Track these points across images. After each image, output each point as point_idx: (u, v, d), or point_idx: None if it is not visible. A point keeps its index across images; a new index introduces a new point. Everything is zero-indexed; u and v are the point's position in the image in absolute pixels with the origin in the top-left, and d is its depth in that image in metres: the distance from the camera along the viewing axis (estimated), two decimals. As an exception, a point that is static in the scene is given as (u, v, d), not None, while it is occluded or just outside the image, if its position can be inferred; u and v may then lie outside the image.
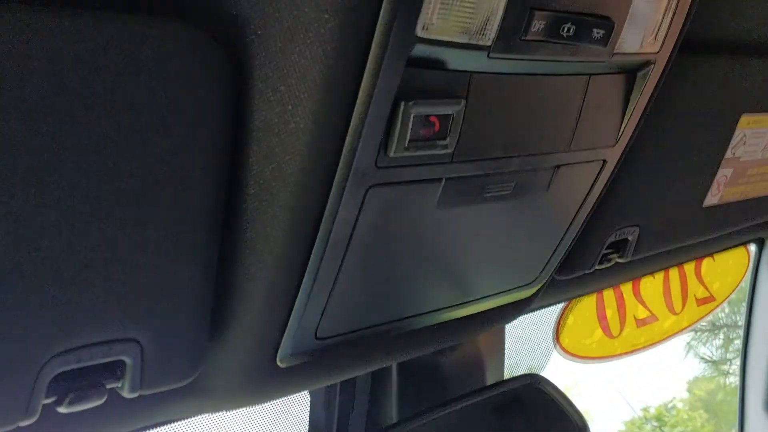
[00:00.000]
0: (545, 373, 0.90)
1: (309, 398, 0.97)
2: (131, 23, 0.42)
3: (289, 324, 0.58)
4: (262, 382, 0.63)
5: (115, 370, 0.52)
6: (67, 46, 0.40)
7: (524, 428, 0.86)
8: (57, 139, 0.42)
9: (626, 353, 1.28)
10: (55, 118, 0.41)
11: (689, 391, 5.21)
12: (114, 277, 0.48)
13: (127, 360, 0.52)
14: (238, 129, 0.50)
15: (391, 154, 0.51)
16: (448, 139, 0.54)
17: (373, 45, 0.46)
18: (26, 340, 0.46)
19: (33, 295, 0.45)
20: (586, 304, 1.15)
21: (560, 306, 1.14)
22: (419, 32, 0.47)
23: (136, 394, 0.53)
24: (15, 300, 0.45)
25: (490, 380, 0.98)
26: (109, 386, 0.52)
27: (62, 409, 0.50)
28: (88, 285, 0.47)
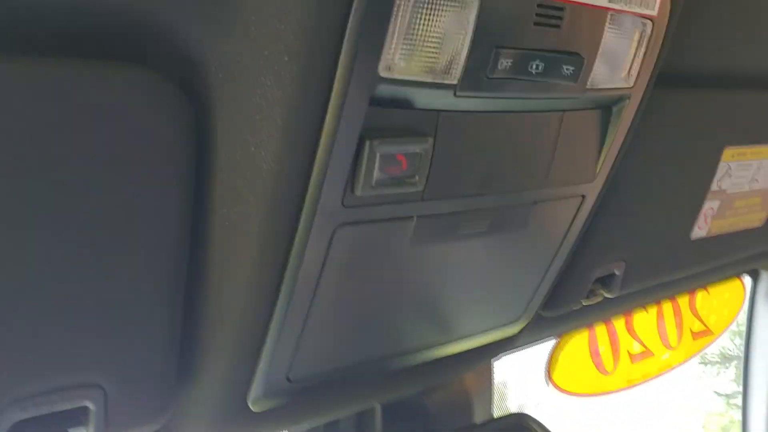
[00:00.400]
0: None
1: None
2: (88, 68, 0.42)
3: (259, 367, 0.57)
4: (234, 427, 0.61)
5: (78, 416, 0.51)
6: (19, 91, 0.40)
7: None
8: (13, 187, 0.42)
9: (621, 389, 1.26)
10: (9, 166, 0.41)
11: (704, 426, 5.10)
12: (74, 321, 0.48)
13: (91, 406, 0.51)
14: (202, 171, 0.50)
15: (358, 193, 0.51)
16: (416, 177, 0.53)
17: (335, 86, 0.46)
18: None
19: None
20: (578, 341, 1.14)
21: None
22: (382, 72, 0.47)
23: None
24: None
25: (477, 418, 0.96)
26: None
27: None
28: (47, 328, 0.47)
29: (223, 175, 0.49)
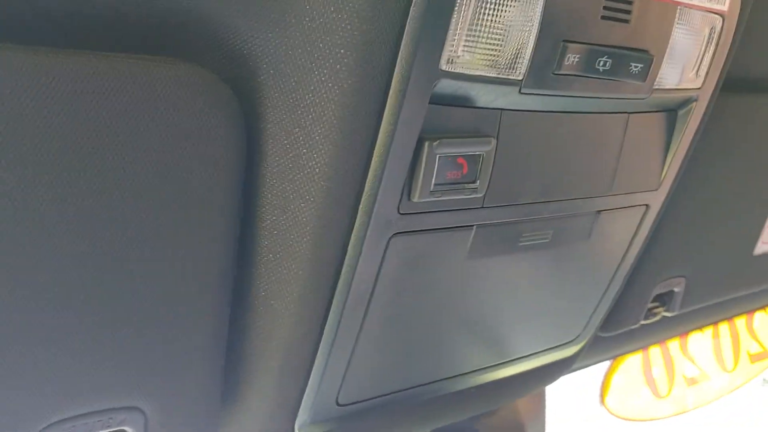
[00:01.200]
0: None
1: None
2: (134, 63, 0.39)
3: (307, 389, 0.53)
4: None
5: None
6: (65, 89, 0.37)
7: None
8: (57, 190, 0.39)
9: (677, 414, 1.19)
10: (54, 166, 0.38)
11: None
12: (113, 340, 0.44)
13: (129, 430, 0.47)
14: (250, 175, 0.46)
15: (416, 199, 0.47)
16: (477, 182, 0.49)
17: (394, 81, 0.43)
18: (17, 408, 0.42)
19: (25, 360, 0.41)
20: (632, 363, 1.08)
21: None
22: (444, 66, 0.44)
23: None
24: (6, 364, 0.41)
25: (530, 446, 0.91)
26: None
27: None
28: (86, 348, 0.43)
29: (273, 180, 0.46)
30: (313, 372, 0.52)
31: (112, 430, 0.47)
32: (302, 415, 0.55)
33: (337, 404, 0.56)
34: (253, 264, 0.49)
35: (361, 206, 0.46)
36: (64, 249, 0.40)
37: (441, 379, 0.63)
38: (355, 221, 0.47)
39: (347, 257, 0.48)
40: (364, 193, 0.46)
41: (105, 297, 0.43)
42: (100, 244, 0.42)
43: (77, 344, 0.43)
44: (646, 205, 0.66)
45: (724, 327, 1.20)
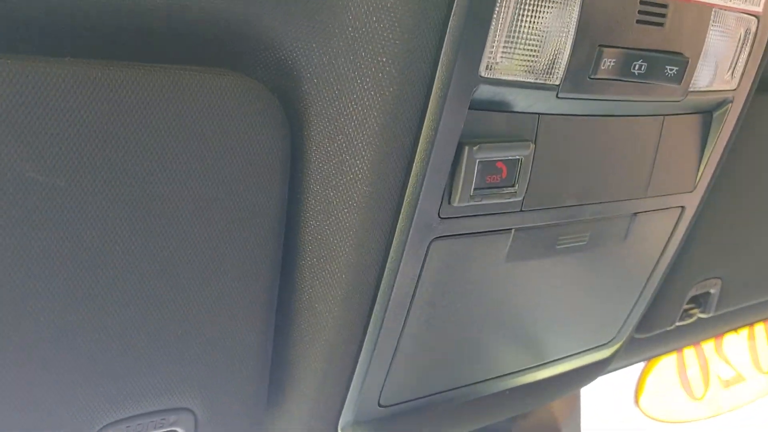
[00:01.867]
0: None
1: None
2: (184, 75, 0.41)
3: (350, 390, 0.54)
4: None
5: None
6: (114, 98, 0.39)
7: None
8: (107, 196, 0.40)
9: (712, 416, 1.18)
10: (105, 173, 0.40)
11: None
12: (167, 344, 0.46)
13: (181, 431, 0.49)
14: (295, 182, 0.48)
15: (456, 204, 0.48)
16: (516, 186, 0.50)
17: (434, 88, 0.44)
18: (74, 409, 0.44)
19: (81, 362, 0.43)
20: (666, 364, 1.07)
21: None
22: (483, 72, 0.45)
23: None
24: (62, 367, 0.42)
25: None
26: None
27: None
28: (139, 351, 0.45)
29: (316, 186, 0.47)
30: (355, 374, 0.53)
31: (164, 430, 0.48)
32: (345, 416, 0.56)
33: (379, 405, 0.57)
34: (298, 268, 0.50)
35: (402, 211, 0.47)
36: (116, 254, 0.42)
37: (479, 381, 0.64)
38: (396, 225, 0.48)
39: (389, 261, 0.49)
40: (406, 198, 0.47)
41: (157, 302, 0.45)
42: (151, 249, 0.43)
43: (133, 348, 0.45)
44: (682, 206, 0.66)
45: (759, 328, 1.18)
